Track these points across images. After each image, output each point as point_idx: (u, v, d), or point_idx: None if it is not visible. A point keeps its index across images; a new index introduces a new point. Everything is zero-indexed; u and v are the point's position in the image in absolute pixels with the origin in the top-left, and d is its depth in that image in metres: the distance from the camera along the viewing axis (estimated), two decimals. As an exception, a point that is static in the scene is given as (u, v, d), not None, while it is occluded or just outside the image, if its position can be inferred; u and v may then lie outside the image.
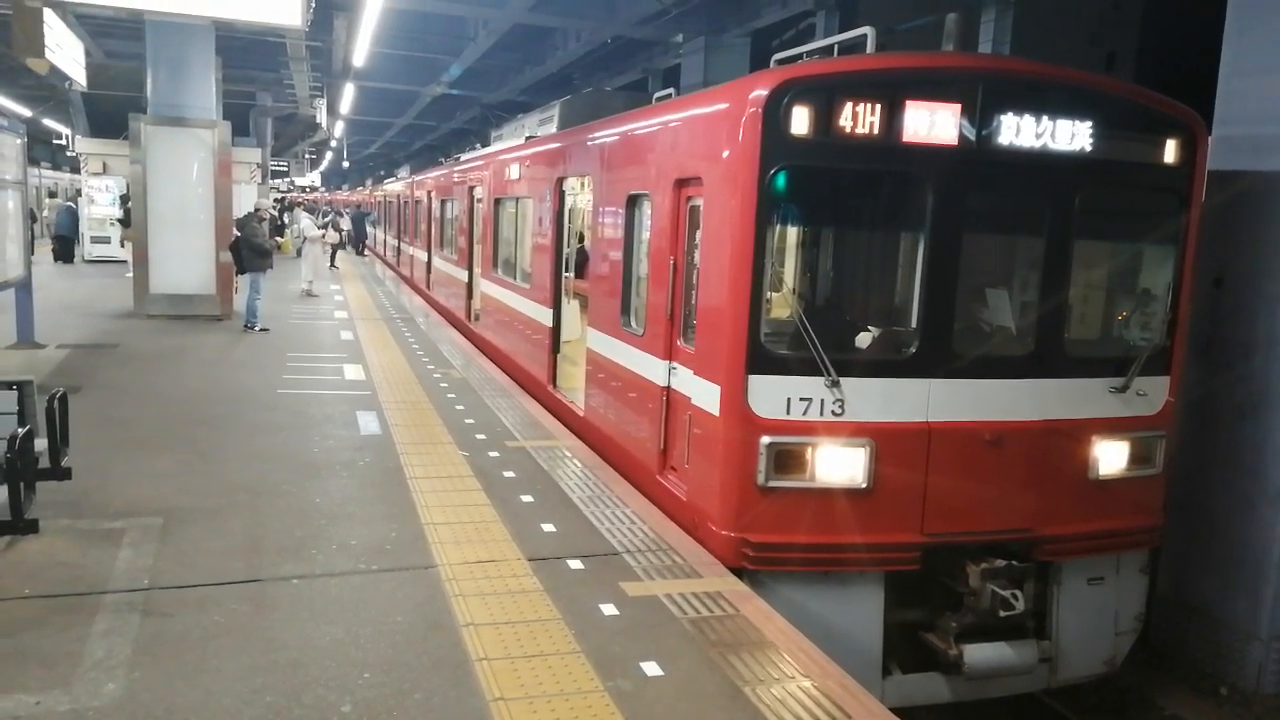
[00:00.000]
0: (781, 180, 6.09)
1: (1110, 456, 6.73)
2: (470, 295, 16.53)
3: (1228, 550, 7.71)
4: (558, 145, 11.20)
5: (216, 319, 16.56)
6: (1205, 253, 7.43)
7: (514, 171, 13.11)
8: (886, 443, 6.22)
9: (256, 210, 17.16)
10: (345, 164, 76.35)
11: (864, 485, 6.20)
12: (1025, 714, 7.49)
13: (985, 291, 6.98)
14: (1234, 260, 7.71)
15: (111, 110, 24.00)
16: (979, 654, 6.27)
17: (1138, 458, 6.85)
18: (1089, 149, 6.40)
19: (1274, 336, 7.41)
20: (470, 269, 16.48)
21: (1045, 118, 6.27)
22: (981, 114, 6.17)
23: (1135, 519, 6.92)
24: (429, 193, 22.19)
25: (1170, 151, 6.73)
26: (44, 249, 27.19)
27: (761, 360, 6.19)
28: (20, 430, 5.90)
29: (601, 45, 22.99)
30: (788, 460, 6.19)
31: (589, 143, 9.66)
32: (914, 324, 6.50)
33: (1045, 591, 6.71)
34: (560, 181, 10.62)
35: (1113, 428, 6.73)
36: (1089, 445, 6.65)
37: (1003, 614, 6.16)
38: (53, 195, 30.44)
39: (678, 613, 5.39)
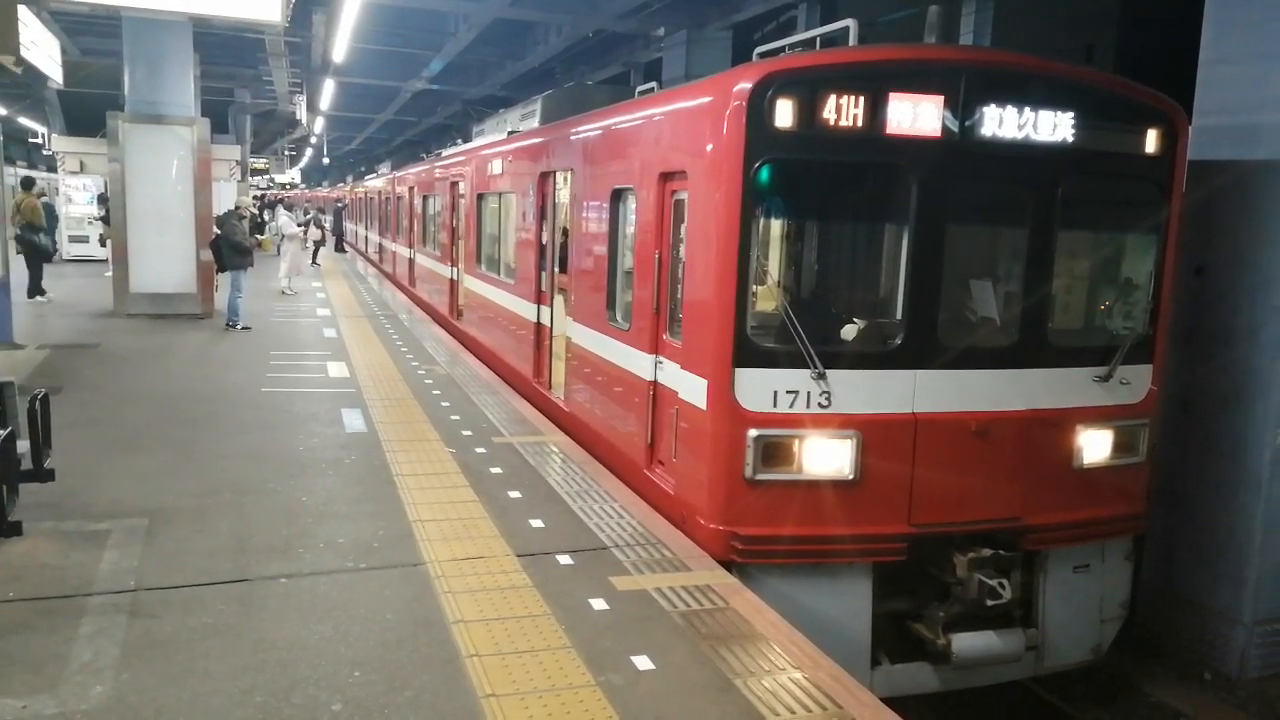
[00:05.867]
0: (766, 173, 6.10)
1: (1094, 445, 6.79)
2: (454, 291, 16.48)
3: (1211, 537, 7.78)
4: (541, 140, 11.16)
5: (198, 318, 16.46)
6: (1186, 242, 7.49)
7: (497, 166, 13.07)
8: (873, 434, 6.24)
9: (237, 208, 17.05)
10: (325, 160, 75.85)
11: (851, 477, 6.23)
12: (1015, 702, 7.55)
13: (969, 282, 7.01)
14: (1215, 249, 7.76)
15: (89, 108, 23.74)
16: (966, 643, 6.31)
17: (1121, 446, 6.90)
18: (1071, 140, 6.44)
19: (1255, 325, 7.48)
20: (454, 265, 16.42)
21: (1028, 109, 6.30)
22: (964, 106, 6.19)
23: (1119, 507, 6.98)
24: (410, 188, 22.10)
25: (1151, 142, 6.77)
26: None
27: (748, 353, 6.20)
28: (2, 432, 5.84)
29: (583, 39, 22.90)
30: (775, 453, 6.20)
31: (572, 137, 9.64)
32: (899, 316, 6.53)
33: (1031, 580, 6.76)
34: (544, 176, 10.59)
35: (1097, 416, 6.78)
36: (1073, 434, 6.70)
37: (990, 603, 6.20)
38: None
39: (668, 606, 5.39)
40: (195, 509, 6.74)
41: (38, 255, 18.46)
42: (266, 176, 55.45)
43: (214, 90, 26.39)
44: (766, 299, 6.50)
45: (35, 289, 18.10)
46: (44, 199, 21.37)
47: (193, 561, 5.81)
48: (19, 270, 15.68)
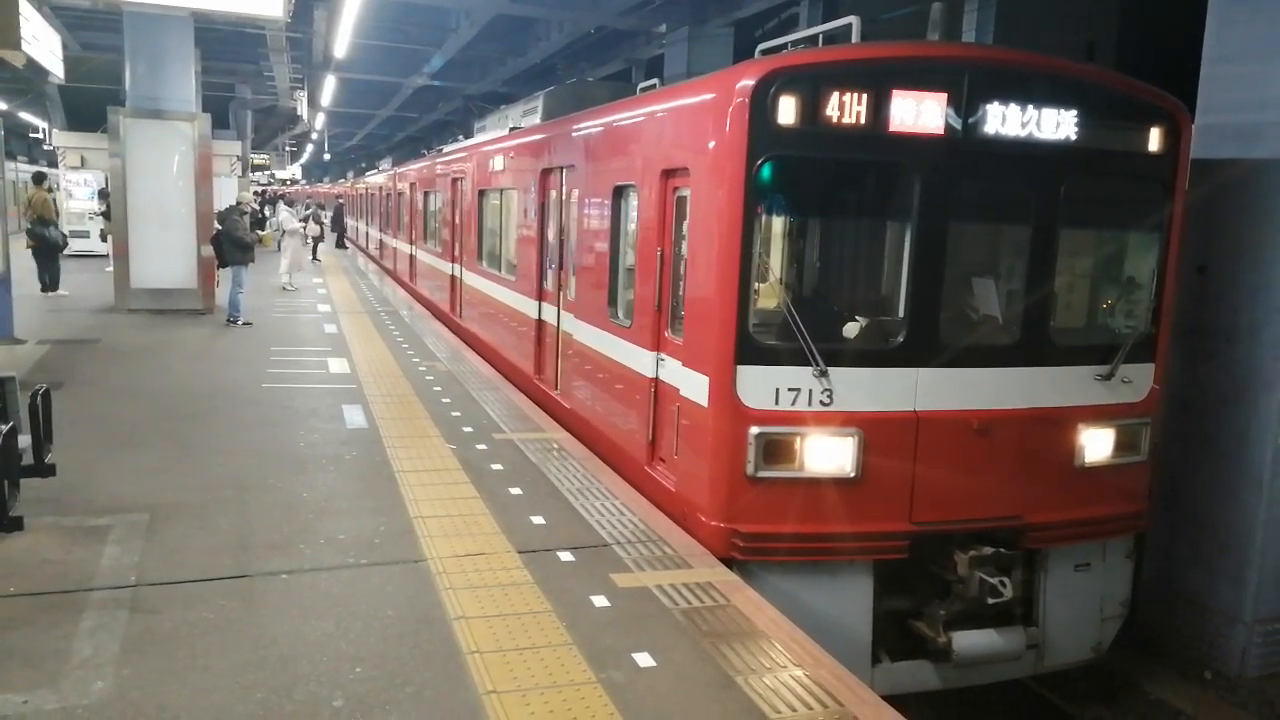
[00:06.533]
0: (768, 170, 6.09)
1: (1096, 444, 6.78)
2: (455, 288, 16.47)
3: (1212, 535, 7.78)
4: (543, 137, 11.15)
5: (198, 313, 16.44)
6: (1188, 240, 7.48)
7: (499, 163, 13.06)
8: (874, 432, 6.24)
9: (238, 204, 17.04)
10: (326, 156, 75.79)
11: (852, 474, 6.22)
12: (1015, 701, 7.55)
13: (972, 280, 7.00)
14: (1217, 248, 7.76)
15: (90, 103, 23.71)
16: (967, 641, 6.31)
17: (1123, 445, 6.89)
18: (1074, 138, 6.43)
19: (1256, 323, 7.47)
20: (455, 262, 16.41)
21: (1031, 107, 6.29)
22: (967, 103, 6.17)
23: (1121, 505, 6.97)
24: (411, 184, 22.09)
25: (1154, 140, 6.76)
26: (19, 242, 26.94)
27: (750, 351, 6.19)
28: (3, 427, 5.84)
29: (584, 36, 22.84)
30: (777, 450, 6.19)
31: (574, 134, 9.63)
32: (901, 313, 6.53)
33: (1032, 578, 6.76)
34: (545, 173, 10.58)
35: (1099, 415, 6.77)
36: (1075, 433, 6.69)
37: (990, 601, 6.20)
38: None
39: (669, 604, 5.39)
40: (196, 505, 6.73)
41: (49, 249, 18.51)
42: (267, 172, 55.46)
43: (215, 85, 26.38)
44: (768, 296, 6.50)
45: (54, 283, 18.35)
46: (53, 194, 21.38)
47: (194, 557, 5.81)
48: (19, 265, 15.65)
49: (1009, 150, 6.32)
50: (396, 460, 7.96)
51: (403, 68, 29.29)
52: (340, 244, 38.55)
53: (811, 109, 5.98)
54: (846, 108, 6.00)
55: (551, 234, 10.47)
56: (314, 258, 28.73)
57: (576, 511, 6.89)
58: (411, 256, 22.13)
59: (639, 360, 7.55)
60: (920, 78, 6.13)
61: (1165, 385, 7.29)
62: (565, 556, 6.03)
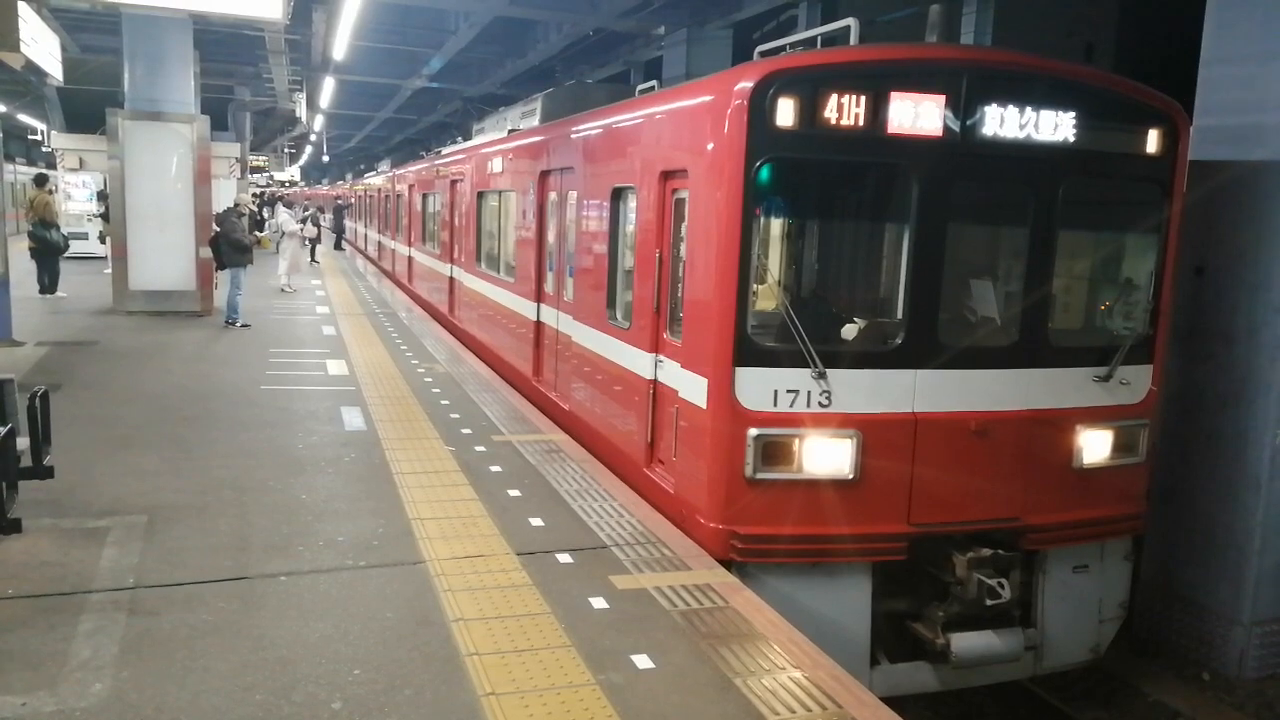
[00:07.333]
0: (767, 172, 6.10)
1: (1094, 445, 6.79)
2: (453, 290, 16.48)
3: (1210, 537, 7.78)
4: (541, 138, 11.16)
5: (197, 315, 16.44)
6: (1186, 242, 7.49)
7: (497, 165, 13.06)
8: (873, 433, 6.24)
9: (236, 205, 17.03)
10: (325, 158, 75.80)
11: (851, 476, 6.23)
12: (1014, 702, 7.55)
13: (970, 282, 7.01)
14: (1215, 249, 7.76)
15: (88, 105, 23.74)
16: (966, 643, 6.31)
17: (1121, 446, 6.90)
18: (1072, 140, 6.44)
19: (1254, 325, 7.48)
20: (453, 263, 16.41)
21: (1029, 109, 6.30)
22: (966, 105, 6.18)
23: (1119, 507, 6.98)
24: (410, 186, 22.09)
25: (1152, 142, 6.77)
26: (19, 244, 26.92)
27: (748, 352, 6.20)
28: (1, 429, 5.84)
29: (583, 38, 22.86)
30: (775, 452, 6.20)
31: (573, 135, 9.63)
32: (899, 315, 6.53)
33: (1031, 580, 6.76)
34: (544, 175, 10.58)
35: (1097, 417, 6.78)
36: (1073, 434, 6.70)
37: (989, 603, 6.20)
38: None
39: (667, 605, 5.39)
40: (195, 506, 6.73)
41: (51, 251, 18.50)
42: (266, 174, 55.46)
43: (214, 87, 26.39)
44: (767, 298, 6.50)
45: (53, 285, 18.29)
46: (53, 195, 21.38)
47: (192, 559, 5.80)
48: (18, 267, 15.65)
49: (1007, 152, 6.33)
50: (395, 462, 7.96)
51: (401, 70, 29.31)
52: (337, 245, 38.52)
53: (810, 111, 5.99)
54: (845, 110, 6.01)
55: (550, 236, 10.47)
56: (312, 259, 28.74)
57: (575, 513, 6.89)
58: (409, 259, 22.13)
59: (638, 362, 7.55)
60: (919, 80, 6.14)
61: (1163, 386, 7.31)
62: (564, 558, 6.03)
